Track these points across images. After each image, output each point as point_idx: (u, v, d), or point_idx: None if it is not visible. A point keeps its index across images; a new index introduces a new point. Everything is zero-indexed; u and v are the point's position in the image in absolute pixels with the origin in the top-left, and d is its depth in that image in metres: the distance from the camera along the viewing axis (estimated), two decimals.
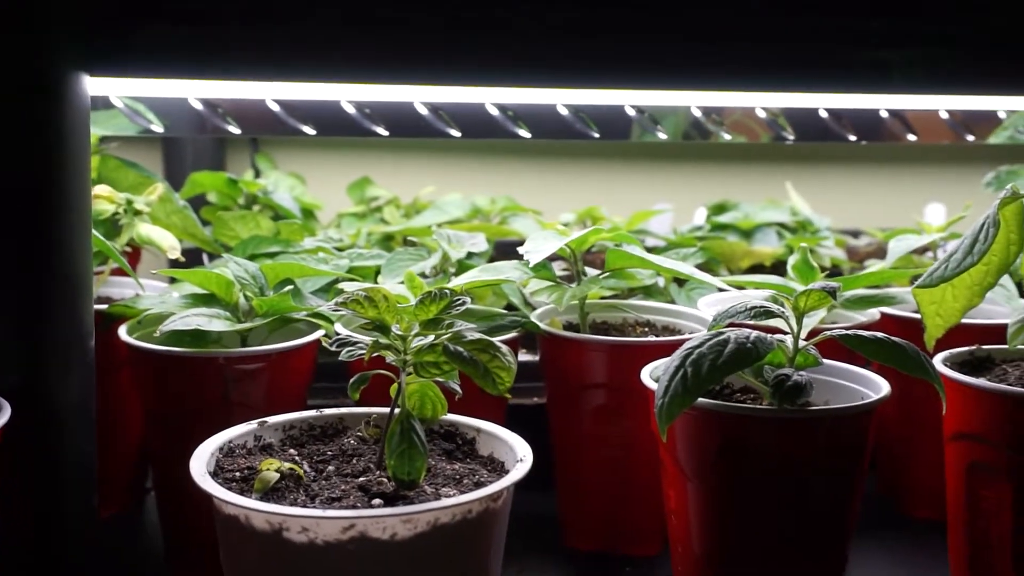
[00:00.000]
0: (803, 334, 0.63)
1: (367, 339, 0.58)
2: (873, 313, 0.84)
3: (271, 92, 0.91)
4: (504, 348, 0.57)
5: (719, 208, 1.35)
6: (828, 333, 0.61)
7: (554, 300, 0.78)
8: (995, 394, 0.62)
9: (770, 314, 0.61)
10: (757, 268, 1.14)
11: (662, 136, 0.97)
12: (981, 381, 0.63)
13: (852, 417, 0.57)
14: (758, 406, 0.58)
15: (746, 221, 1.26)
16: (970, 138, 1.04)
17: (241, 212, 0.98)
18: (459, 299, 0.59)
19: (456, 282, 0.79)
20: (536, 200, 1.41)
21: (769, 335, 0.58)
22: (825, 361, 0.65)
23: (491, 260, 1.05)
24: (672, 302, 0.96)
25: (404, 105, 0.93)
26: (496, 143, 1.65)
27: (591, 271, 0.84)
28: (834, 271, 1.16)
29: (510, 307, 0.89)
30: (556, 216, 1.30)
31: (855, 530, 0.61)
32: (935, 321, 0.68)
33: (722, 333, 0.57)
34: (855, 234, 1.37)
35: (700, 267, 1.12)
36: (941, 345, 0.71)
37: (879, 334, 0.60)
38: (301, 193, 1.28)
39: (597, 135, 0.95)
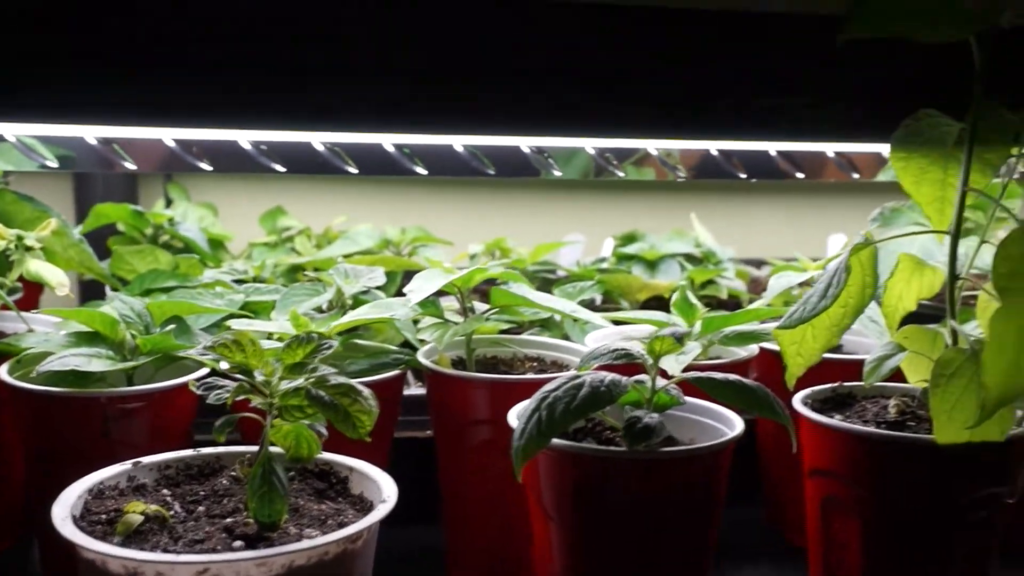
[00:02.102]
0: (678, 370, 0.66)
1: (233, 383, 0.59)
2: (753, 349, 0.87)
3: (169, 132, 0.91)
4: (366, 392, 0.58)
5: (628, 239, 1.38)
6: (682, 376, 0.64)
7: (435, 339, 0.80)
8: (842, 432, 0.65)
9: (630, 357, 0.63)
10: (656, 299, 1.17)
11: (557, 174, 1.00)
12: (830, 420, 0.66)
13: (701, 457, 0.59)
14: (609, 448, 0.60)
15: (651, 252, 1.29)
16: (855, 176, 1.08)
17: (138, 246, 0.99)
18: (326, 343, 0.61)
19: (343, 320, 0.80)
20: (452, 230, 1.43)
21: (624, 379, 0.60)
22: (689, 400, 0.67)
23: (399, 291, 1.07)
24: (567, 337, 0.98)
25: (302, 144, 0.94)
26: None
27: (481, 307, 0.86)
28: (732, 303, 1.19)
29: (407, 343, 0.91)
30: (467, 246, 1.32)
31: (711, 566, 0.64)
32: (796, 360, 0.71)
33: (579, 376, 0.59)
34: (759, 264, 1.41)
35: (597, 300, 1.15)
36: (817, 379, 0.74)
37: (730, 376, 0.62)
38: (211, 224, 1.28)
39: (492, 172, 0.97)
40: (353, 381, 0.59)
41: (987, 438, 0.61)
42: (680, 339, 0.61)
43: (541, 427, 0.56)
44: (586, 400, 0.57)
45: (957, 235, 0.66)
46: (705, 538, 0.62)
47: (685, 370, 0.67)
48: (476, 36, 0.73)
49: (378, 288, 0.97)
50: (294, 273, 1.17)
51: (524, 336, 0.90)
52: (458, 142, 0.95)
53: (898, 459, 0.63)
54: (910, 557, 0.64)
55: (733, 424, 0.65)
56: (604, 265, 1.28)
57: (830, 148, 1.05)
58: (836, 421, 0.66)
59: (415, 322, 0.90)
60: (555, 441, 0.59)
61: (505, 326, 0.98)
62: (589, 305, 1.14)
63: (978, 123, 0.66)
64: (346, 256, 1.19)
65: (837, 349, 0.96)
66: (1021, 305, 0.56)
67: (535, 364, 0.87)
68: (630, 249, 1.30)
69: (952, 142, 0.68)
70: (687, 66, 0.78)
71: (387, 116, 0.74)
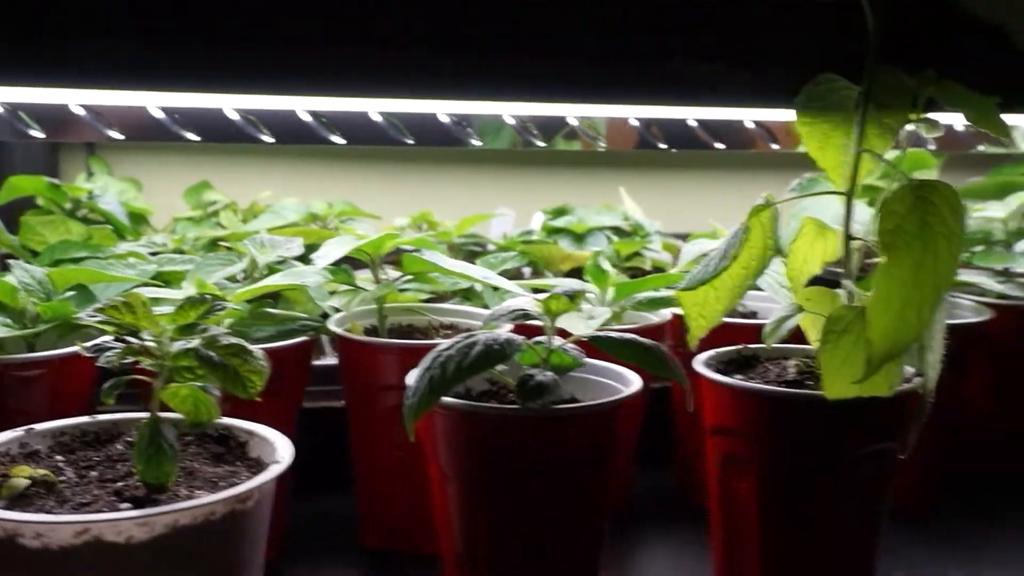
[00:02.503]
0: (585, 334, 0.66)
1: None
2: (665, 314, 0.88)
3: (76, 97, 0.90)
4: (257, 352, 0.58)
5: (558, 212, 1.38)
6: (578, 335, 0.64)
7: (343, 305, 0.79)
8: (738, 390, 0.65)
9: (528, 316, 0.63)
10: (579, 269, 1.17)
11: (477, 143, 1.00)
12: (726, 378, 0.67)
13: (593, 414, 0.60)
14: (501, 406, 0.60)
15: (579, 225, 1.29)
16: (775, 147, 1.09)
17: (50, 217, 0.97)
18: (219, 304, 0.60)
19: (251, 287, 0.80)
20: (384, 205, 1.42)
21: (520, 338, 0.60)
22: (589, 360, 0.68)
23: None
24: (487, 307, 0.98)
25: (214, 111, 0.93)
26: (346, 147, 1.66)
27: (395, 275, 0.86)
28: (656, 273, 1.20)
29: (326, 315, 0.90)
30: (394, 220, 1.32)
31: (607, 524, 0.64)
32: (698, 322, 0.71)
33: (473, 335, 0.59)
34: (686, 237, 1.42)
35: (527, 273, 1.15)
36: (726, 342, 0.75)
37: (626, 335, 0.63)
38: (133, 198, 1.26)
39: (411, 142, 0.97)
40: (246, 343, 0.58)
41: (875, 393, 0.62)
42: (572, 297, 0.61)
43: (432, 385, 0.56)
44: (479, 358, 0.57)
45: (851, 196, 0.67)
46: (601, 496, 0.63)
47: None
48: None
49: (297, 259, 0.97)
50: (214, 246, 1.15)
51: (440, 305, 0.90)
52: (373, 108, 0.94)
53: (791, 416, 0.64)
54: (803, 512, 0.65)
55: (631, 384, 0.65)
56: (533, 238, 1.28)
57: (748, 116, 1.05)
58: (731, 379, 0.66)
59: (334, 293, 0.90)
60: (450, 400, 0.59)
61: (425, 296, 0.98)
62: (514, 275, 1.14)
63: (873, 87, 0.67)
64: (271, 230, 1.18)
65: (753, 316, 0.98)
66: (904, 260, 0.57)
67: (450, 331, 0.87)
68: (559, 222, 1.30)
69: (852, 106, 0.69)
70: (603, 30, 0.78)
71: (295, 78, 0.74)
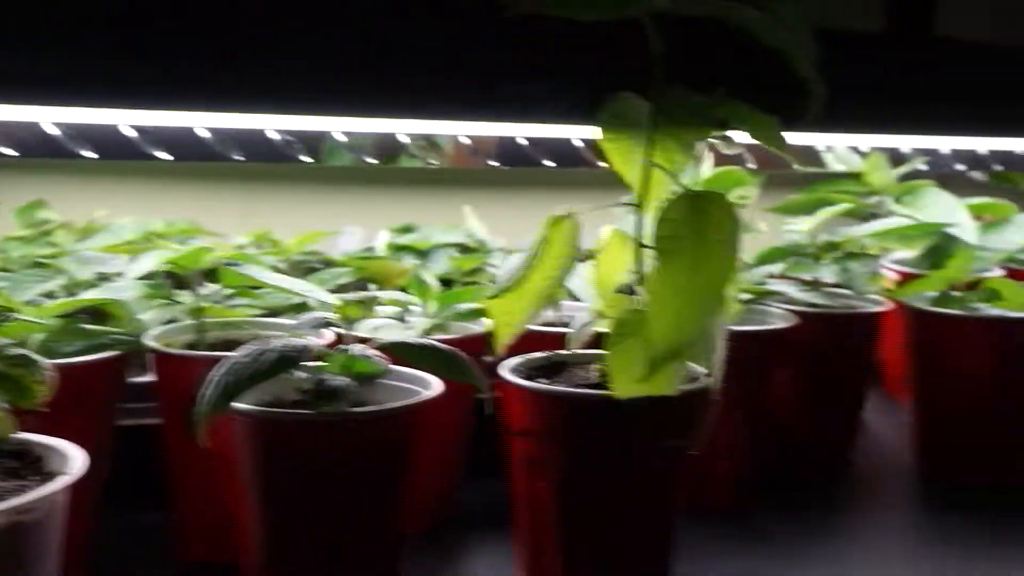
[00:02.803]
0: (404, 338, 0.68)
1: None
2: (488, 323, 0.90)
3: None
4: (43, 362, 0.58)
5: (404, 230, 1.39)
6: (380, 342, 0.65)
7: (161, 320, 0.79)
8: (534, 393, 0.68)
9: (328, 323, 0.64)
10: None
11: (307, 160, 1.00)
12: (524, 382, 0.69)
13: (388, 418, 0.61)
14: (293, 411, 0.61)
15: (423, 242, 1.31)
16: (604, 164, 1.13)
17: None
18: (11, 315, 0.59)
19: (60, 301, 0.78)
20: (232, 224, 1.40)
21: (316, 344, 0.61)
22: (398, 368, 0.69)
23: None
24: None
25: (32, 125, 0.92)
26: (200, 166, 1.64)
27: (214, 289, 0.86)
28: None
29: None
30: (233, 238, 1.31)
31: (404, 529, 0.65)
32: (505, 329, 0.73)
33: (269, 342, 0.60)
34: None
35: (372, 288, 1.15)
36: (539, 349, 0.77)
37: (424, 342, 0.64)
38: None
39: (242, 158, 0.97)
40: (31, 353, 0.58)
41: (660, 392, 0.65)
42: (365, 303, 0.62)
43: (222, 391, 0.57)
44: (272, 363, 0.58)
45: (641, 207, 0.70)
46: (402, 501, 0.64)
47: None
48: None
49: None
50: (40, 265, 1.12)
51: (264, 319, 0.90)
52: (200, 124, 0.94)
53: (582, 416, 0.66)
54: (599, 509, 0.68)
55: (432, 388, 0.67)
56: (376, 254, 1.29)
57: (575, 134, 1.09)
58: (526, 382, 0.69)
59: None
60: (243, 407, 0.60)
61: (258, 311, 0.97)
62: (352, 291, 1.14)
63: (663, 105, 0.70)
64: (107, 249, 1.16)
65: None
66: (679, 265, 0.61)
67: None
68: (402, 240, 1.31)
69: (653, 123, 0.72)
70: (436, 47, 0.80)
71: (118, 89, 0.73)
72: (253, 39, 0.75)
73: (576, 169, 1.19)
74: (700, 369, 0.71)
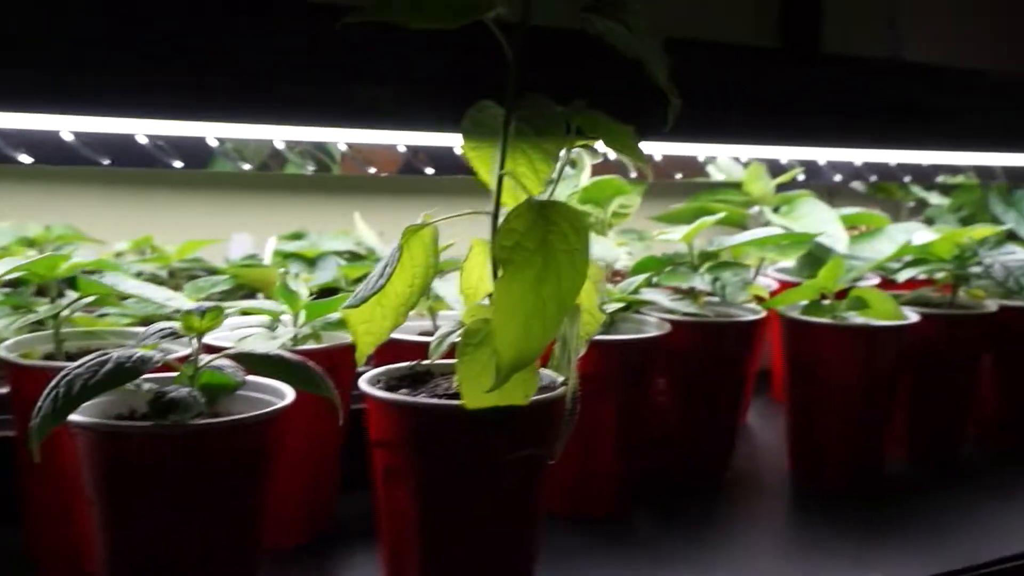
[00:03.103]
0: (269, 348, 0.67)
1: None
2: None
3: None
4: None
5: (294, 237, 1.38)
6: (227, 352, 0.64)
7: (16, 330, 0.77)
8: (392, 404, 0.68)
9: (175, 334, 0.63)
10: None
11: (178, 165, 0.99)
12: (381, 392, 0.69)
13: (233, 429, 0.60)
14: (131, 423, 0.60)
15: (311, 250, 1.30)
16: (429, 171, 1.14)
17: None
18: None
19: None
20: (120, 230, 1.37)
21: (157, 355, 0.60)
22: (254, 379, 0.68)
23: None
24: None
25: None
26: (92, 171, 1.59)
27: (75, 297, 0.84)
28: None
29: None
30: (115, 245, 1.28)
31: (262, 539, 0.65)
32: (366, 339, 0.73)
33: (106, 353, 0.59)
34: None
35: (261, 298, 1.13)
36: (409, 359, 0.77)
37: (271, 352, 0.64)
38: None
39: (108, 162, 0.95)
40: None
41: (511, 402, 0.65)
42: (204, 314, 0.61)
43: (57, 404, 0.56)
44: (108, 375, 0.57)
45: (496, 214, 0.70)
46: (256, 514, 0.63)
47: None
48: None
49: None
50: None
51: (128, 329, 0.88)
52: (66, 127, 0.92)
53: (436, 426, 0.67)
54: (457, 517, 0.68)
55: (285, 399, 0.66)
56: (264, 263, 1.27)
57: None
58: (382, 393, 0.69)
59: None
60: (82, 420, 0.58)
61: (131, 320, 0.95)
62: (232, 298, 1.13)
63: (521, 113, 0.71)
64: None
65: None
66: (523, 275, 0.61)
67: None
68: (290, 247, 1.30)
69: (513, 132, 0.73)
70: (299, 57, 0.79)
71: None
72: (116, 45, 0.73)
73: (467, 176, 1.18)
74: (557, 377, 0.72)
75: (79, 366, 0.57)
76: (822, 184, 1.47)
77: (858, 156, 1.30)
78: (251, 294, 1.21)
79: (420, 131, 0.89)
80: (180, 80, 0.76)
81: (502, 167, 0.70)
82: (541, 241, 0.62)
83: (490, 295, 0.80)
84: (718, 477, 1.08)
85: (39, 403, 0.57)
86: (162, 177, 1.61)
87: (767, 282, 1.29)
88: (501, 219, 0.72)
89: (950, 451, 1.18)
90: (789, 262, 1.25)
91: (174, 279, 1.18)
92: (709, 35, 1.52)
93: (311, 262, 1.29)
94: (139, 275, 1.19)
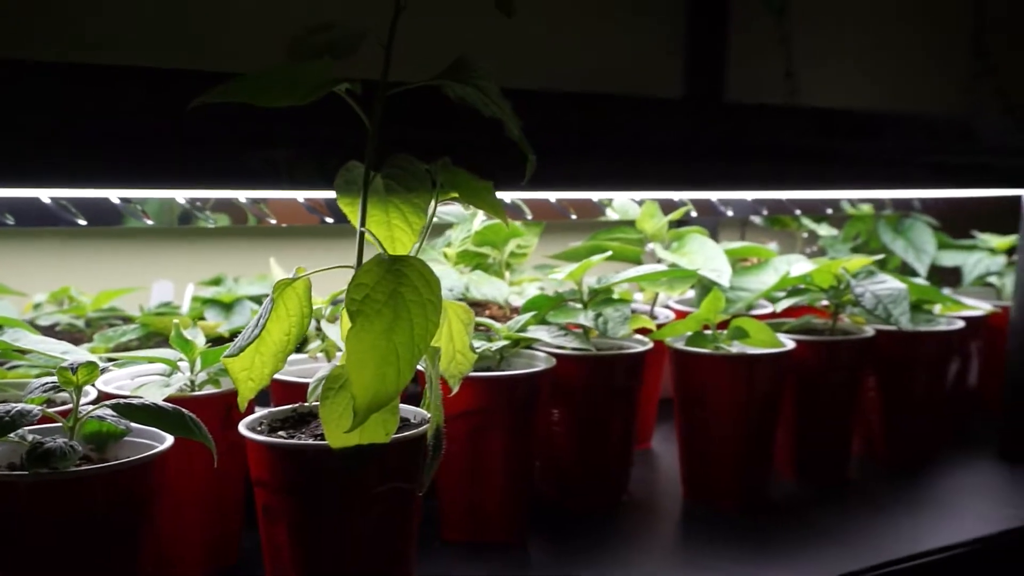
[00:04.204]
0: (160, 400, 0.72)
1: None
2: None
3: None
4: None
5: (213, 283, 1.43)
6: (108, 402, 0.69)
7: None
8: (262, 445, 0.73)
9: (57, 388, 0.68)
10: (215, 339, 1.22)
11: (149, 223, 1.04)
12: (253, 435, 0.74)
13: (109, 475, 0.65)
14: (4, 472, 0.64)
15: (227, 295, 1.34)
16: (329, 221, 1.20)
17: None
18: None
19: None
20: (41, 282, 1.41)
21: (36, 408, 0.65)
22: (136, 426, 0.73)
23: None
24: None
25: None
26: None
27: None
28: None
29: None
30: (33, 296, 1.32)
31: None
32: (247, 384, 0.78)
33: None
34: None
35: (147, 340, 1.18)
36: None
37: (146, 401, 0.69)
38: None
39: (84, 222, 1.00)
40: None
41: (374, 440, 0.71)
42: (77, 369, 0.66)
43: None
44: None
45: (359, 264, 0.75)
46: (140, 553, 0.68)
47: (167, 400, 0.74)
48: None
49: None
50: None
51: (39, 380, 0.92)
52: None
53: (306, 465, 0.72)
54: (331, 552, 0.73)
55: (163, 444, 0.71)
56: (184, 309, 1.32)
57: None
58: (253, 435, 0.74)
59: None
60: None
61: (38, 372, 1.00)
62: (147, 345, 1.17)
63: (387, 171, 0.77)
64: None
65: None
66: (373, 325, 0.67)
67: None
68: (208, 293, 1.35)
69: (384, 189, 0.79)
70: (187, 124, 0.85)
71: None
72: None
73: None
74: (425, 414, 0.77)
75: None
76: (725, 218, 1.55)
77: (748, 193, 1.37)
78: (165, 341, 1.25)
79: (308, 191, 0.94)
80: (76, 152, 0.82)
81: (363, 223, 0.75)
82: (391, 293, 0.67)
83: None
84: (613, 503, 1.14)
85: None
86: (83, 230, 1.66)
87: (666, 313, 1.36)
88: None
89: (835, 469, 1.24)
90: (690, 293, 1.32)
91: (91, 328, 1.22)
92: (624, 88, 1.60)
93: (228, 307, 1.34)
94: (55, 326, 1.24)
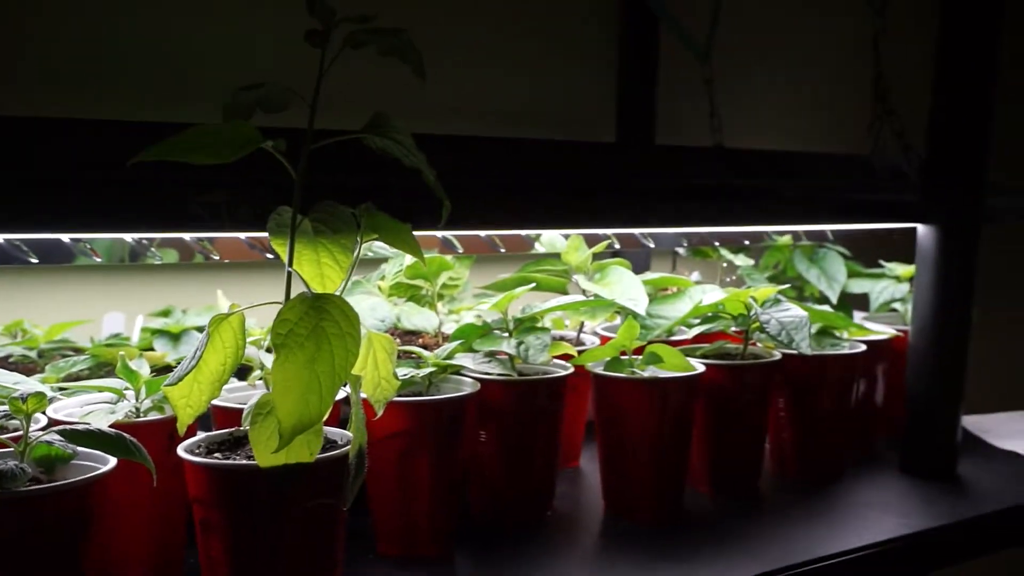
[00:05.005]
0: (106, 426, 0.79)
1: None
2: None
3: None
4: None
5: (162, 314, 1.50)
6: (56, 428, 0.76)
7: None
8: (196, 465, 0.80)
9: (9, 416, 0.75)
10: (163, 369, 1.29)
11: (98, 260, 1.11)
12: (188, 455, 0.82)
13: (48, 495, 0.72)
14: None
15: (175, 326, 1.41)
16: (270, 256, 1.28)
17: None
18: None
19: None
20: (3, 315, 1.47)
21: None
22: (83, 450, 0.80)
23: None
24: None
25: None
26: None
27: None
28: (243, 368, 1.34)
29: None
30: None
31: None
32: (186, 411, 0.85)
33: None
34: None
35: (97, 369, 1.24)
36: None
37: (91, 426, 0.76)
38: None
39: (36, 260, 1.07)
40: None
41: (300, 460, 0.78)
42: (27, 399, 0.74)
43: None
44: None
45: (287, 299, 0.83)
46: (84, 566, 0.75)
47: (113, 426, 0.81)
48: None
49: None
50: None
51: None
52: None
53: (237, 484, 0.79)
54: (261, 562, 0.80)
55: (106, 466, 0.78)
56: (134, 340, 1.38)
57: None
58: (189, 456, 0.81)
59: None
60: None
61: None
62: (97, 375, 1.23)
63: (314, 215, 0.85)
64: None
65: None
66: (297, 357, 0.74)
67: None
68: (156, 323, 1.41)
69: (312, 231, 0.87)
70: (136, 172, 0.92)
71: None
72: None
73: None
74: (347, 434, 0.85)
75: None
76: (655, 249, 1.65)
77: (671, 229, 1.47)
78: (113, 370, 1.32)
79: (247, 231, 1.01)
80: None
81: (290, 263, 0.83)
82: (314, 328, 0.75)
83: None
84: (538, 517, 1.22)
85: None
86: (36, 267, 1.72)
87: (592, 340, 1.44)
88: None
89: (748, 483, 1.33)
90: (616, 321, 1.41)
91: (43, 359, 1.29)
92: (555, 132, 1.70)
93: (175, 337, 1.40)
94: (9, 357, 1.30)
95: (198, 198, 0.94)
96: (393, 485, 1.06)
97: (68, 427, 0.75)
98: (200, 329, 1.42)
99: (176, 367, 1.24)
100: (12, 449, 0.77)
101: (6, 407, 0.76)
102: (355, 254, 0.88)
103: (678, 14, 1.64)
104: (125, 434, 0.77)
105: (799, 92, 2.04)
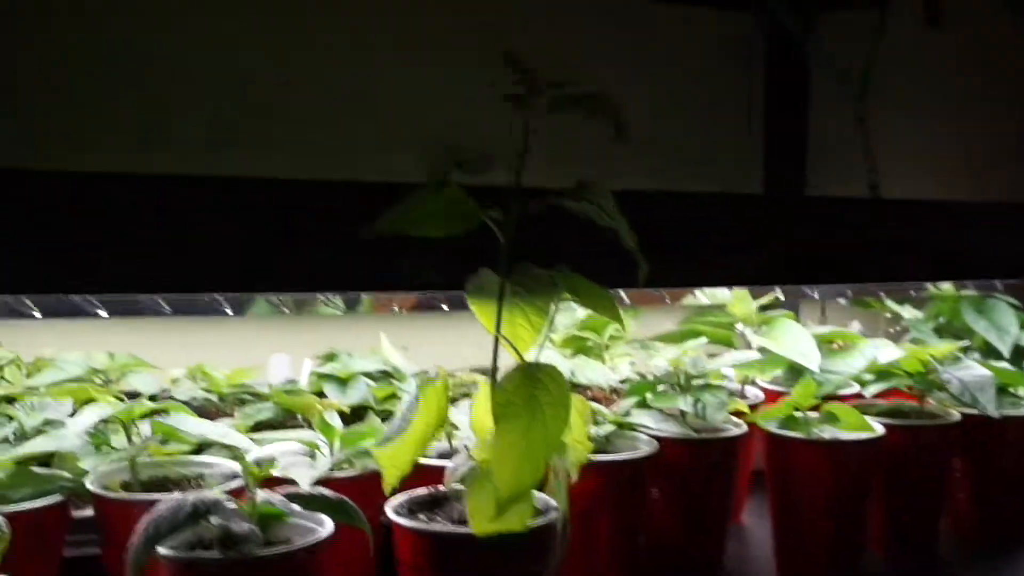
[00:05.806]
0: (307, 483, 0.81)
1: None
2: None
3: None
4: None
5: (327, 358, 1.54)
6: (283, 492, 0.79)
7: (102, 464, 0.92)
8: (409, 530, 0.82)
9: (237, 476, 0.78)
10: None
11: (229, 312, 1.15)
12: (402, 520, 0.83)
13: (284, 558, 0.75)
14: (201, 554, 0.74)
15: (344, 371, 1.44)
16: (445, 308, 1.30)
17: None
18: None
19: (13, 453, 0.91)
20: (172, 358, 1.53)
21: (225, 498, 0.75)
22: (299, 509, 0.83)
23: None
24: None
25: None
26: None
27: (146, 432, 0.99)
28: None
29: None
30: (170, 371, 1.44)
31: None
32: (392, 472, 0.87)
33: (186, 497, 0.74)
34: None
35: (276, 415, 1.28)
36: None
37: (318, 490, 0.78)
38: None
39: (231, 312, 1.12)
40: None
41: (511, 529, 0.79)
42: (261, 465, 0.76)
43: (146, 541, 0.70)
44: (186, 516, 0.72)
45: (494, 369, 0.84)
46: None
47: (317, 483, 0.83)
48: None
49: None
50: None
51: (191, 458, 1.03)
52: None
53: (453, 550, 0.80)
54: None
55: (325, 528, 0.81)
56: (300, 387, 1.42)
57: None
58: (403, 520, 0.83)
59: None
60: (167, 552, 0.73)
61: (187, 447, 1.10)
62: (277, 424, 1.27)
63: (514, 279, 0.86)
64: (53, 384, 1.28)
65: None
66: (514, 427, 0.75)
67: (200, 481, 1.00)
68: (325, 369, 1.45)
69: (511, 294, 0.88)
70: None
71: None
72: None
73: None
74: (552, 502, 0.86)
75: (165, 508, 0.72)
76: (808, 299, 1.62)
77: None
78: (292, 416, 1.36)
79: (439, 291, 1.04)
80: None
81: (498, 328, 0.84)
82: (528, 397, 0.76)
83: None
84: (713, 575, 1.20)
85: (133, 538, 0.71)
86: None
87: (755, 391, 1.42)
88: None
89: (925, 548, 1.29)
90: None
91: (224, 403, 1.33)
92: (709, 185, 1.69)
93: (343, 383, 1.44)
94: (194, 399, 1.35)
95: (400, 260, 0.97)
96: (576, 547, 1.06)
97: (292, 490, 0.78)
98: (368, 375, 1.46)
99: (352, 415, 1.28)
100: (236, 506, 0.80)
101: (231, 464, 0.79)
102: (550, 316, 0.89)
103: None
104: (346, 499, 0.79)
105: (962, 136, 1.97)
